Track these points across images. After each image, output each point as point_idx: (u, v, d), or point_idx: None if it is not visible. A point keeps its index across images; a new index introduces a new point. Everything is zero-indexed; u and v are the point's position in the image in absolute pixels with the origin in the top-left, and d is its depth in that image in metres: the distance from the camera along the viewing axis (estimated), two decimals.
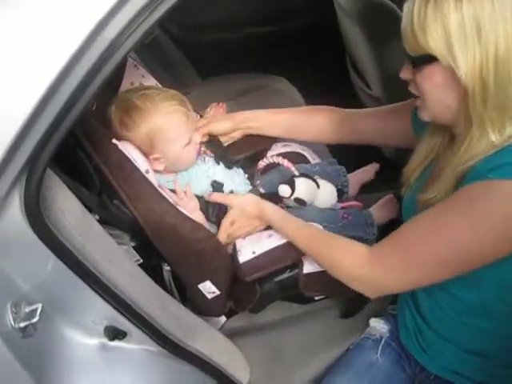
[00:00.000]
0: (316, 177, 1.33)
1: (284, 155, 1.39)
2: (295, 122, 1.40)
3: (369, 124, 1.34)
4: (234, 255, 1.23)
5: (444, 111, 0.97)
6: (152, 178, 1.19)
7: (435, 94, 0.95)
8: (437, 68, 0.91)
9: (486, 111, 0.89)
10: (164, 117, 1.22)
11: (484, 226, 0.88)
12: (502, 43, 0.84)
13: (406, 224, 1.00)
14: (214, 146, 1.36)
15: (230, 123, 1.38)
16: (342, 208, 1.37)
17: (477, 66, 0.86)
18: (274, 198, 1.29)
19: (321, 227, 1.21)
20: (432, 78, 0.93)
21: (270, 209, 1.22)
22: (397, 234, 1.00)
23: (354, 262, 1.03)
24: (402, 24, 0.93)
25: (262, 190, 1.33)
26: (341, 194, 1.40)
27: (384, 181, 1.28)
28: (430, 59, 0.90)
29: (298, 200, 1.27)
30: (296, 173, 1.32)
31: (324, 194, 1.33)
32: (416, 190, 1.10)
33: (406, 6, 0.92)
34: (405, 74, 0.98)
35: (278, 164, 1.36)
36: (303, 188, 1.27)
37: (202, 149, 1.33)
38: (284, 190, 1.26)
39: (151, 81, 1.42)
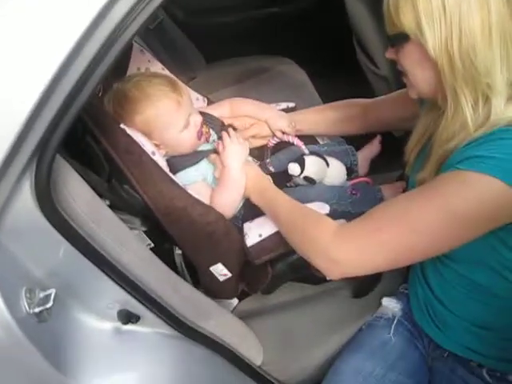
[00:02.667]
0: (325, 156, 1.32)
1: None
2: (334, 120, 1.44)
3: (389, 110, 1.38)
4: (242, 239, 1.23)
5: (426, 87, 0.99)
6: (160, 159, 1.19)
7: (415, 71, 0.98)
8: (412, 45, 0.94)
9: (457, 84, 0.91)
10: (153, 105, 1.20)
11: (449, 214, 0.89)
12: (466, 19, 0.87)
13: (378, 207, 1.00)
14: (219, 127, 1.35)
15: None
16: (351, 185, 1.36)
17: (443, 41, 0.89)
18: (283, 176, 1.29)
19: (327, 206, 1.20)
20: (410, 56, 0.96)
21: (265, 176, 1.24)
22: (367, 216, 1.00)
23: (321, 237, 1.01)
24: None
25: (271, 169, 1.33)
26: (350, 172, 1.39)
27: (394, 160, 1.26)
28: (404, 37, 0.94)
29: (307, 178, 1.26)
30: (306, 151, 1.31)
31: (333, 171, 1.33)
32: (417, 169, 1.10)
33: None
34: (389, 53, 1.03)
35: (288, 142, 1.35)
36: (313, 166, 1.27)
37: (205, 130, 1.31)
38: (294, 168, 1.26)
39: (157, 66, 1.41)
